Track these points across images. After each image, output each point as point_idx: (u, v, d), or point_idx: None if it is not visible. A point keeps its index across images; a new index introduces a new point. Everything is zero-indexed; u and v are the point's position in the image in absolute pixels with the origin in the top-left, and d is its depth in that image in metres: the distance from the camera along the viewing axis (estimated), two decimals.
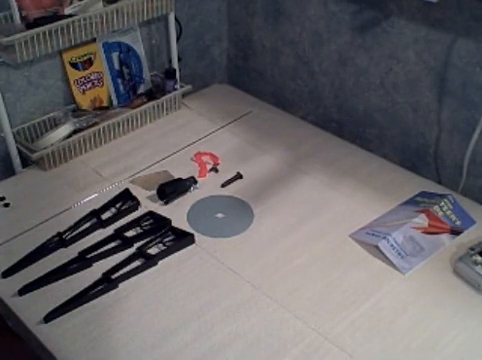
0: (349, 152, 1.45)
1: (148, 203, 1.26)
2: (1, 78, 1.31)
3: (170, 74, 1.56)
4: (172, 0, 1.46)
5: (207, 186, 1.32)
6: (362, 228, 1.19)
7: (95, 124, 1.41)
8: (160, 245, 1.15)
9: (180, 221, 1.21)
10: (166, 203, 1.26)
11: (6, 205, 1.25)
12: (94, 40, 1.44)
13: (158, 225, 1.19)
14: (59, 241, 1.15)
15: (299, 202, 1.28)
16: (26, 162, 1.38)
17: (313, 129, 1.54)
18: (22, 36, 1.19)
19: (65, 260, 1.11)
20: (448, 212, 1.18)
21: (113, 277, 1.07)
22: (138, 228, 1.19)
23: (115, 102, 1.52)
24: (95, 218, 1.21)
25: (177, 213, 1.23)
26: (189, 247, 1.16)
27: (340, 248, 1.16)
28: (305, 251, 1.15)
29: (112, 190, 1.28)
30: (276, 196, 1.29)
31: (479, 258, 1.07)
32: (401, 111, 1.41)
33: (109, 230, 1.19)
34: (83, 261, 1.11)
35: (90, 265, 1.10)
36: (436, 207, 1.18)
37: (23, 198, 1.28)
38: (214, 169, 1.37)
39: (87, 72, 1.46)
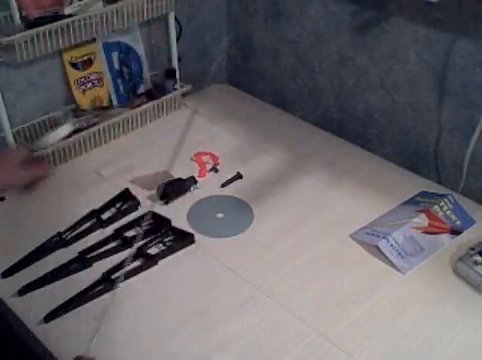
0: (349, 152, 1.45)
1: (148, 203, 1.26)
2: (1, 78, 1.31)
3: (170, 74, 1.56)
4: (172, 0, 1.46)
5: (207, 186, 1.32)
6: (362, 228, 1.20)
7: (95, 124, 1.41)
8: (160, 245, 1.15)
9: (180, 221, 1.21)
10: (166, 203, 1.26)
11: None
12: (94, 40, 1.44)
13: (158, 225, 1.19)
14: (59, 241, 1.15)
15: (299, 202, 1.28)
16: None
17: (313, 129, 1.54)
18: (22, 36, 1.19)
19: (65, 260, 1.11)
20: (448, 212, 1.18)
21: (113, 277, 1.07)
22: (138, 228, 1.19)
23: (115, 102, 1.52)
24: (95, 218, 1.21)
25: (177, 213, 1.23)
26: (189, 247, 1.16)
27: (340, 248, 1.16)
28: (305, 251, 1.15)
29: (112, 190, 1.28)
30: (276, 196, 1.29)
31: (479, 258, 1.07)
32: (401, 111, 1.41)
33: (109, 230, 1.19)
34: (83, 261, 1.11)
35: (90, 265, 1.10)
36: (436, 207, 1.18)
37: (23, 198, 1.28)
38: (214, 169, 1.37)
39: (87, 72, 1.46)
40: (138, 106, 1.50)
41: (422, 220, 1.15)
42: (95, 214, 1.21)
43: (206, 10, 1.68)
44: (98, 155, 1.42)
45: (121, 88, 1.53)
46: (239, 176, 1.34)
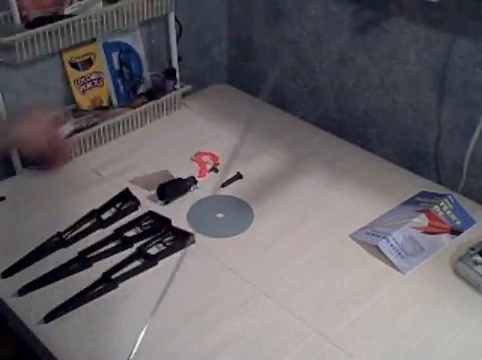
0: (349, 152, 1.45)
1: (148, 203, 1.26)
2: (1, 78, 1.31)
3: (170, 74, 1.56)
4: (172, 0, 1.46)
5: (207, 186, 1.32)
6: (362, 228, 1.20)
7: (95, 124, 1.41)
8: (160, 245, 1.15)
9: (180, 221, 1.21)
10: (166, 203, 1.26)
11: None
12: (94, 40, 1.44)
13: (158, 225, 1.19)
14: (59, 241, 1.15)
15: (299, 202, 1.28)
16: (26, 162, 1.38)
17: (313, 129, 1.54)
18: (22, 36, 1.19)
19: (65, 260, 1.11)
20: (448, 212, 1.18)
21: (113, 277, 1.07)
22: (138, 228, 1.19)
23: (115, 102, 1.52)
24: (95, 218, 1.21)
25: (177, 213, 1.23)
26: (189, 247, 1.16)
27: (340, 248, 1.16)
28: (305, 251, 1.15)
29: (112, 190, 1.28)
30: (276, 196, 1.29)
31: (479, 258, 1.07)
32: (401, 111, 1.41)
33: (109, 230, 1.19)
34: (83, 261, 1.11)
35: (90, 265, 1.10)
36: (436, 207, 1.18)
37: (23, 198, 1.28)
38: (214, 169, 1.37)
39: (87, 72, 1.46)
40: (138, 106, 1.50)
41: (422, 220, 1.15)
42: (95, 214, 1.21)
43: (206, 10, 1.68)
44: (98, 155, 1.42)
45: (121, 88, 1.53)
46: (239, 176, 1.34)
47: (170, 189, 1.27)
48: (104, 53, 1.48)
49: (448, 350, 0.96)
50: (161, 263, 1.12)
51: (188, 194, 1.29)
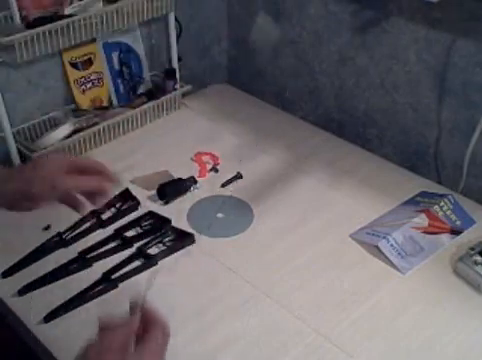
0: (349, 152, 1.45)
1: (148, 203, 1.26)
2: (1, 78, 1.31)
3: (170, 74, 1.56)
4: (172, 0, 1.46)
5: (207, 186, 1.32)
6: (362, 228, 1.19)
7: (95, 124, 1.41)
8: (160, 245, 1.15)
9: (180, 221, 1.21)
10: (166, 203, 1.26)
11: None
12: (94, 40, 1.44)
13: (158, 225, 1.19)
14: (59, 241, 1.15)
15: (299, 202, 1.28)
16: (26, 162, 1.38)
17: (313, 129, 1.54)
18: (22, 36, 1.19)
19: (65, 260, 1.11)
20: (448, 212, 1.18)
21: (113, 277, 1.07)
22: (138, 228, 1.19)
23: (115, 102, 1.52)
24: (95, 218, 1.21)
25: (177, 213, 1.23)
26: (189, 247, 1.16)
27: (340, 248, 1.16)
28: (305, 251, 1.15)
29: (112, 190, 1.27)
30: (276, 196, 1.29)
31: (479, 258, 1.07)
32: (401, 111, 1.41)
33: (109, 230, 1.19)
34: (83, 261, 1.11)
35: (90, 265, 1.10)
36: (436, 207, 1.17)
37: None
38: (214, 169, 1.37)
39: (87, 72, 1.46)
40: (138, 106, 1.50)
41: (422, 220, 1.15)
42: (95, 214, 1.21)
43: (206, 10, 1.68)
44: (98, 155, 1.42)
45: (121, 88, 1.53)
46: (239, 176, 1.34)
47: (170, 189, 1.27)
48: (104, 53, 1.48)
49: (448, 350, 0.96)
50: (161, 263, 1.12)
51: (188, 194, 1.29)
